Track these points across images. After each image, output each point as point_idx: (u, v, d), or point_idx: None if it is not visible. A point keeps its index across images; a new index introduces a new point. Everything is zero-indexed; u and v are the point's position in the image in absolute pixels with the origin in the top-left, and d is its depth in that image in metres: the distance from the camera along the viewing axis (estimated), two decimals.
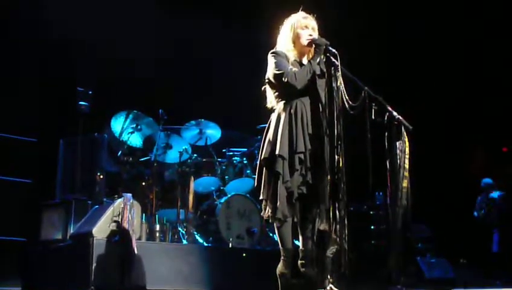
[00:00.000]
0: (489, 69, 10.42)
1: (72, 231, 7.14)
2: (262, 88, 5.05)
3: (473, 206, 10.90)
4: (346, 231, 4.32)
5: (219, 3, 10.00)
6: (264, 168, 4.80)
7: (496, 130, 10.86)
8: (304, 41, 4.85)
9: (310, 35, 4.85)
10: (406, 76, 10.58)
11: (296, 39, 4.92)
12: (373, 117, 4.56)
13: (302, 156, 4.61)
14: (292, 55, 4.91)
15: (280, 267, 4.81)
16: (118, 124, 8.49)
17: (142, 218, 7.28)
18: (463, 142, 11.06)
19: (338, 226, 4.32)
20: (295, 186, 4.60)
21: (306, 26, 4.92)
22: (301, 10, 5.05)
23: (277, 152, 4.62)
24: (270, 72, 4.85)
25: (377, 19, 10.11)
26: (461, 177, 11.14)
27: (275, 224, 4.75)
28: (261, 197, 4.78)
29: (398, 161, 4.58)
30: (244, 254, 7.42)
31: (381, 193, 9.47)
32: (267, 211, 4.70)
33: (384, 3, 10.12)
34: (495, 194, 10.62)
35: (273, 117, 4.88)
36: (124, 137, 8.43)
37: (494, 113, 10.62)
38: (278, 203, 4.57)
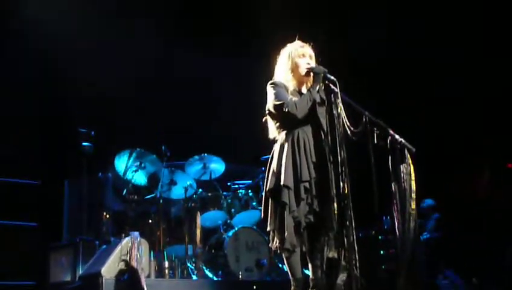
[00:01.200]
0: (492, 86, 10.41)
1: (80, 272, 7.13)
2: (263, 119, 5.07)
3: (482, 225, 10.83)
4: (356, 257, 4.30)
5: (218, 38, 10.03)
6: (270, 199, 4.79)
7: (501, 146, 10.82)
8: (303, 70, 4.87)
9: (308, 64, 4.87)
10: (406, 96, 10.58)
11: (294, 68, 4.94)
12: (375, 141, 4.56)
13: (307, 184, 4.61)
14: (291, 84, 4.93)
15: None
16: (122, 162, 8.50)
17: (150, 255, 7.25)
18: (468, 160, 11.02)
19: (347, 253, 4.30)
20: (302, 216, 4.59)
21: (303, 55, 4.94)
22: (297, 39, 5.08)
23: (282, 182, 4.62)
24: (270, 103, 4.86)
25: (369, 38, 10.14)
26: (469, 196, 11.10)
27: (283, 254, 4.73)
28: (268, 229, 4.78)
29: (404, 184, 4.57)
30: (254, 287, 7.37)
31: (388, 217, 9.43)
32: (275, 242, 4.69)
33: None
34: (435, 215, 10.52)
35: (276, 148, 4.89)
36: (129, 175, 8.43)
37: (497, 130, 10.59)
38: (286, 234, 4.56)
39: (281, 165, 4.71)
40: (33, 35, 8.87)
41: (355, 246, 4.31)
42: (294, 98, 4.76)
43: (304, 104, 4.70)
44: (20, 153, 8.53)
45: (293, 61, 4.94)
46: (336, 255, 4.45)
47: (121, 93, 9.27)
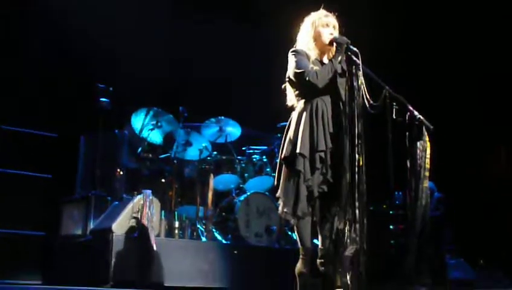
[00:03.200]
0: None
1: (91, 227, 7.19)
2: (283, 86, 5.05)
3: (493, 207, 10.80)
4: (365, 230, 4.31)
5: (238, 2, 9.99)
6: (284, 167, 4.79)
7: None
8: (326, 40, 4.84)
9: (331, 34, 4.84)
10: (426, 74, 10.52)
11: (317, 37, 4.91)
12: (394, 116, 4.55)
13: (323, 154, 4.61)
14: (313, 54, 4.90)
15: (299, 266, 4.80)
16: (138, 120, 8.50)
17: (161, 214, 7.30)
18: (485, 142, 10.97)
19: (357, 225, 4.31)
20: (316, 185, 4.59)
21: (327, 25, 4.90)
22: (322, 8, 5.03)
23: (298, 150, 4.61)
24: (291, 70, 4.84)
25: (394, 15, 10.06)
26: (482, 178, 11.06)
27: (293, 222, 4.74)
28: (280, 195, 4.78)
29: (419, 161, 4.56)
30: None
31: (400, 193, 9.42)
32: (286, 209, 4.69)
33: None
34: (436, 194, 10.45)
35: (294, 116, 4.87)
36: (144, 134, 8.44)
37: None
38: (299, 202, 4.57)
39: (297, 133, 4.70)
40: None
41: (365, 219, 4.32)
42: (316, 68, 4.74)
43: (325, 74, 4.68)
44: (39, 106, 8.56)
45: (316, 30, 4.90)
46: (345, 227, 4.44)
47: (140, 51, 9.27)
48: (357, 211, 4.31)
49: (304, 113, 4.74)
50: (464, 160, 10.88)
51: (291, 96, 4.97)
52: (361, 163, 4.34)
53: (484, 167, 11.29)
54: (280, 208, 4.74)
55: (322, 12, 5.00)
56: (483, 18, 10.01)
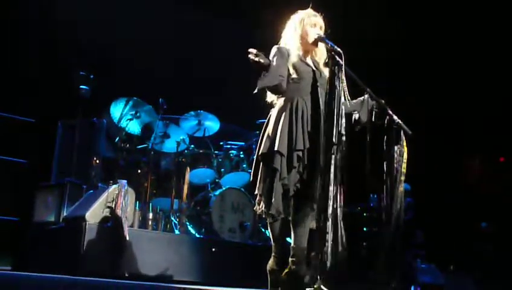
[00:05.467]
0: (488, 78, 10.41)
1: (65, 214, 7.14)
2: None
3: (466, 214, 10.87)
4: (338, 231, 4.32)
5: None
6: (261, 163, 4.79)
7: (494, 139, 10.85)
8: (311, 39, 4.83)
9: (317, 34, 4.83)
10: (407, 79, 10.56)
11: (303, 36, 4.89)
12: (373, 119, 4.56)
13: (300, 153, 4.61)
14: (297, 51, 4.88)
15: (270, 264, 4.82)
16: (118, 110, 8.48)
17: (135, 205, 7.27)
18: (460, 150, 11.05)
19: (330, 226, 4.31)
20: (292, 184, 4.60)
21: (315, 25, 4.90)
22: (310, 8, 5.03)
23: (276, 148, 4.61)
24: None
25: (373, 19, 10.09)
26: (457, 184, 11.13)
27: (267, 220, 4.75)
28: (255, 192, 4.78)
29: (395, 165, 4.58)
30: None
31: (375, 196, 9.44)
32: (260, 206, 4.70)
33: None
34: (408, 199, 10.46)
35: (273, 113, 4.87)
36: (123, 123, 8.42)
37: (493, 123, 10.61)
38: (273, 199, 4.57)
39: (276, 130, 4.70)
40: None
41: (339, 220, 4.33)
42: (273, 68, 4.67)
43: (266, 82, 4.62)
44: (17, 90, 8.49)
45: (304, 29, 4.89)
46: (318, 226, 4.44)
47: (123, 40, 9.22)
48: (330, 212, 4.32)
49: (284, 111, 4.74)
50: (437, 166, 10.94)
51: (271, 93, 4.96)
52: (337, 164, 4.35)
53: (458, 174, 11.36)
54: (256, 205, 4.75)
55: (310, 11, 4.99)
56: (467, 25, 10.06)
